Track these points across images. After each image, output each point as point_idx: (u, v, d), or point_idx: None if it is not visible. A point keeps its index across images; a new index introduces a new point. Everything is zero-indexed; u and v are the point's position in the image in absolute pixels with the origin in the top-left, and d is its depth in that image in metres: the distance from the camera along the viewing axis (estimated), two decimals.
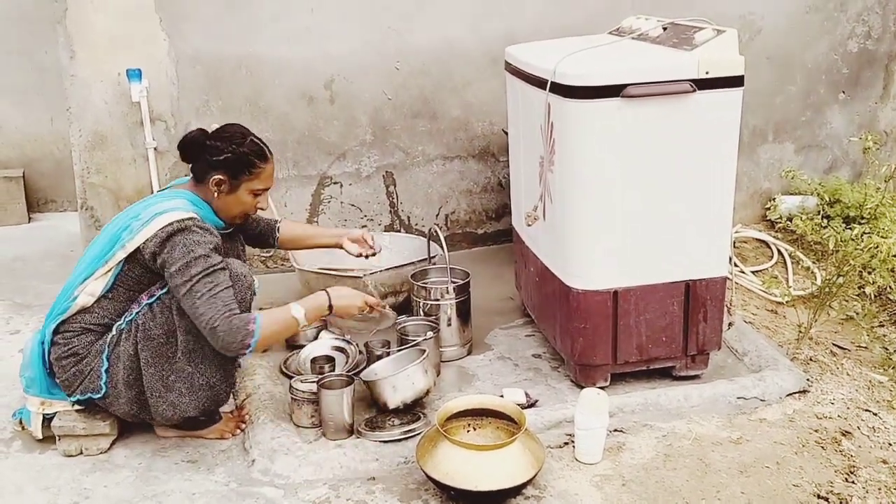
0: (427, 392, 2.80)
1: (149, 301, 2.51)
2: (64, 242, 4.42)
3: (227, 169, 2.55)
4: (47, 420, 2.66)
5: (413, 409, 2.79)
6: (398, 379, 2.74)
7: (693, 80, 2.61)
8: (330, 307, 2.60)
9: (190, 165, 2.63)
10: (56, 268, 4.04)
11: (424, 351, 2.85)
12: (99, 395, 2.55)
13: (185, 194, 2.58)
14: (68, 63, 3.61)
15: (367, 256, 3.08)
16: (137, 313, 2.51)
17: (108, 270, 2.51)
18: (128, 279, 2.52)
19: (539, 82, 2.78)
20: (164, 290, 2.51)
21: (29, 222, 4.81)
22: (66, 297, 2.57)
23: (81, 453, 2.64)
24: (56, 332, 2.57)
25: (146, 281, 2.52)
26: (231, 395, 2.95)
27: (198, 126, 3.68)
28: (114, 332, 2.54)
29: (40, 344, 2.62)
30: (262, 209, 2.70)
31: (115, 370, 2.52)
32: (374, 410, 2.83)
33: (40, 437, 2.67)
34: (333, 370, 2.97)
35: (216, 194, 2.58)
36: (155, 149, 3.72)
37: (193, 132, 2.62)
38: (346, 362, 3.14)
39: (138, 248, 2.45)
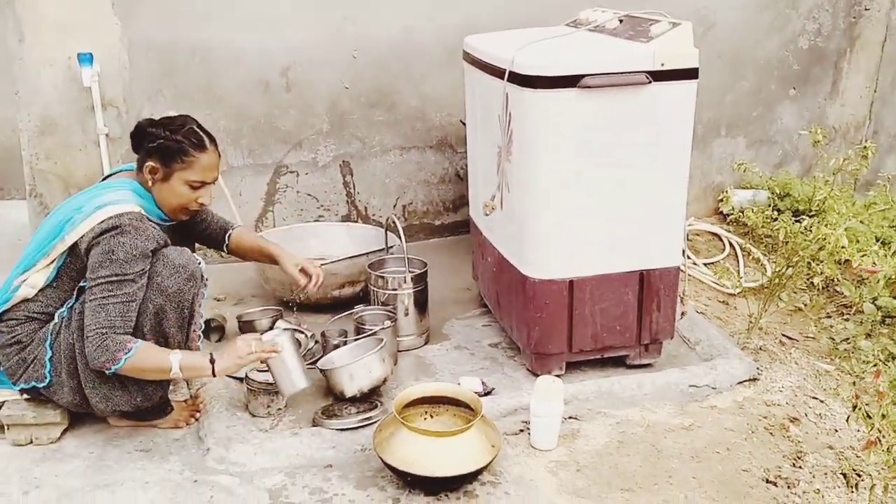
0: (384, 381, 2.80)
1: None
2: (11, 231, 4.31)
3: (160, 155, 2.50)
4: None
5: (370, 398, 2.79)
6: (355, 368, 2.73)
7: (649, 72, 2.65)
8: (213, 372, 2.45)
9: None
10: (3, 256, 3.92)
11: (382, 340, 2.85)
12: (43, 384, 2.51)
13: (130, 184, 2.54)
14: (17, 46, 3.52)
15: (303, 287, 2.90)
16: (77, 302, 2.48)
17: (51, 262, 2.47)
18: (71, 270, 2.49)
19: (497, 72, 2.80)
20: None
21: None
22: (7, 286, 2.52)
23: (31, 443, 2.59)
24: (0, 319, 2.52)
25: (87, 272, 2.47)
26: (188, 385, 2.92)
27: (150, 112, 3.67)
28: (56, 319, 2.50)
29: None
30: (202, 204, 2.59)
31: (59, 359, 2.48)
32: (331, 399, 2.82)
33: None
34: None
35: (150, 182, 2.53)
36: (106, 135, 3.65)
37: (143, 121, 2.59)
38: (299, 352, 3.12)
39: (79, 239, 2.42)
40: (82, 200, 2.50)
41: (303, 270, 2.89)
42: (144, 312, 2.44)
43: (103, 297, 2.35)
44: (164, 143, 2.49)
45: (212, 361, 2.45)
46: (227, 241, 2.91)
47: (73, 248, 2.45)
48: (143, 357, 2.37)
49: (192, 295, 2.53)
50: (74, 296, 2.50)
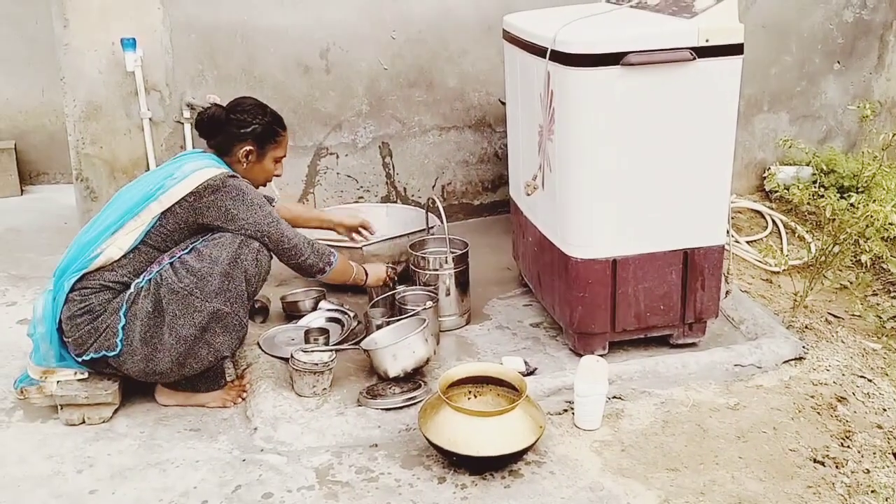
0: (427, 361, 2.82)
1: (170, 261, 2.55)
2: (57, 214, 4.39)
3: (256, 139, 2.71)
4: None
5: (413, 378, 2.81)
6: (399, 348, 2.75)
7: (693, 48, 2.61)
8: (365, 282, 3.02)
9: (208, 141, 2.74)
10: (51, 240, 4.03)
11: (424, 320, 2.87)
12: (114, 353, 2.56)
13: (213, 157, 2.71)
14: (62, 32, 3.56)
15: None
16: (158, 272, 2.55)
17: (141, 224, 2.56)
18: (157, 235, 2.57)
19: (539, 51, 2.78)
20: (186, 251, 2.56)
21: (21, 195, 4.78)
22: (86, 252, 2.57)
23: (84, 422, 2.64)
24: (72, 289, 2.57)
25: (176, 238, 2.59)
26: (234, 366, 2.97)
27: (192, 96, 3.71)
28: (132, 289, 2.56)
29: (53, 301, 2.61)
30: (278, 175, 2.86)
31: (132, 327, 2.54)
32: (375, 379, 2.85)
33: (39, 378, 2.65)
34: (327, 342, 2.98)
35: (244, 164, 2.72)
36: (150, 119, 3.69)
37: (211, 108, 2.72)
38: (342, 332, 3.15)
39: (177, 202, 2.53)
40: (170, 168, 2.65)
41: (362, 228, 3.34)
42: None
43: (270, 224, 2.64)
44: (258, 128, 2.71)
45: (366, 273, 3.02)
46: None
47: (167, 211, 2.55)
48: (340, 260, 2.86)
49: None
50: (154, 268, 2.56)
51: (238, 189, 2.60)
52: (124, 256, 2.56)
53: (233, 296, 2.58)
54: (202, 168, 2.59)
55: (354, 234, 3.36)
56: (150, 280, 2.55)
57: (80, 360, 2.61)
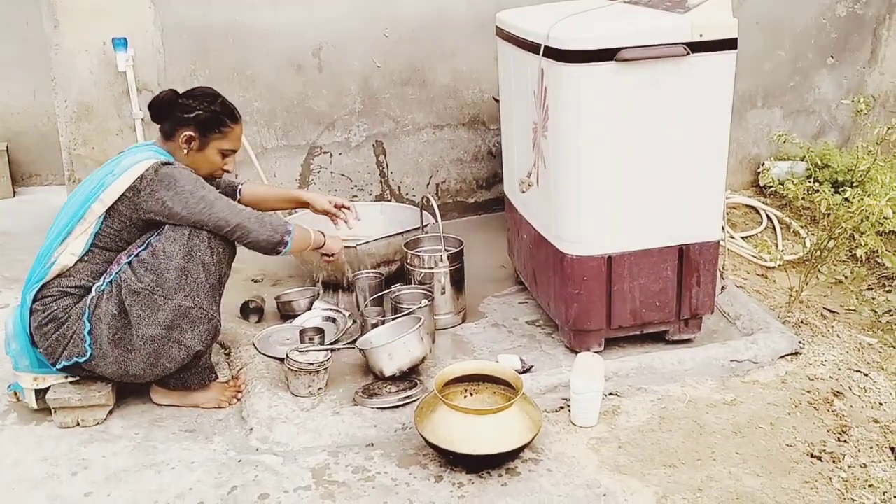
0: (423, 359, 2.81)
1: (128, 260, 2.52)
2: (50, 216, 4.24)
3: (198, 126, 2.61)
4: (42, 393, 2.64)
5: (409, 377, 2.80)
6: (395, 347, 2.74)
7: (687, 44, 2.61)
8: (322, 245, 2.82)
9: (159, 126, 2.67)
10: (43, 242, 4.00)
11: (420, 319, 2.86)
12: (84, 358, 2.54)
13: (154, 148, 2.64)
14: (52, 33, 3.54)
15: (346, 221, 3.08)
16: (117, 273, 2.51)
17: (88, 227, 2.52)
18: (105, 236, 2.53)
19: (532, 47, 2.77)
20: (143, 247, 2.52)
21: (13, 196, 4.75)
22: (43, 262, 2.55)
23: (78, 424, 2.63)
24: (34, 299, 2.55)
25: (125, 236, 2.54)
26: (229, 366, 2.95)
27: None
28: (93, 293, 2.53)
29: (21, 314, 2.60)
30: (227, 171, 2.74)
31: (99, 331, 2.51)
32: (371, 378, 2.84)
33: (35, 407, 2.66)
34: (323, 342, 2.97)
35: (185, 151, 2.63)
36: (142, 119, 3.67)
37: (164, 92, 2.66)
38: (337, 332, 3.14)
39: (118, 199, 2.49)
40: (110, 165, 2.59)
41: (338, 207, 3.06)
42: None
43: (203, 209, 2.52)
44: (202, 115, 2.61)
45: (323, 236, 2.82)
46: (238, 197, 2.96)
47: (111, 209, 2.50)
48: (297, 229, 2.70)
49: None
50: (113, 268, 2.53)
51: (170, 176, 2.50)
52: (80, 261, 2.54)
53: (193, 289, 2.53)
54: (140, 161, 2.52)
55: (339, 221, 3.08)
56: (110, 282, 2.52)
57: (56, 368, 2.59)
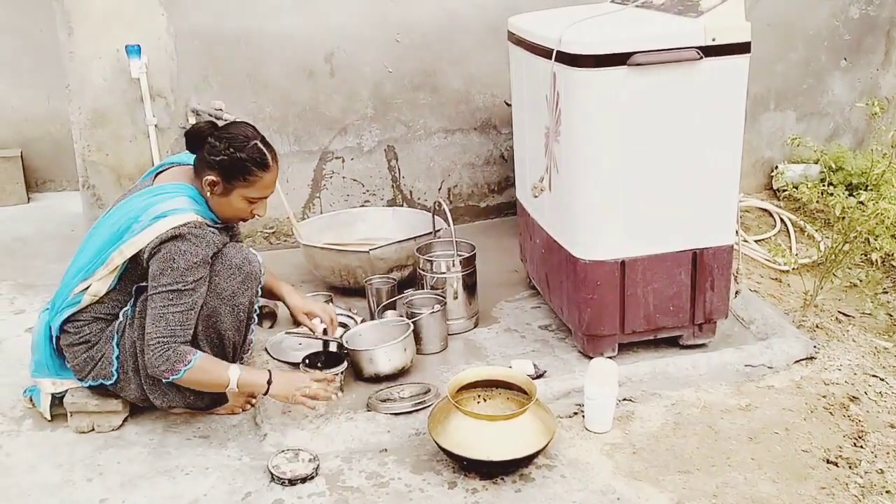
0: (403, 369, 2.85)
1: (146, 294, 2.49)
2: (64, 222, 4.39)
3: (222, 171, 2.45)
4: (58, 399, 2.66)
5: (403, 379, 2.86)
6: (376, 353, 2.81)
7: (699, 48, 2.60)
8: (266, 392, 2.52)
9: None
10: (57, 247, 4.02)
11: (410, 326, 2.88)
12: (110, 382, 2.56)
13: (186, 189, 2.51)
14: (66, 40, 3.57)
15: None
16: (137, 300, 2.52)
17: (112, 271, 2.48)
18: (133, 275, 2.51)
19: (544, 52, 2.76)
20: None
21: (28, 202, 4.78)
22: (68, 290, 2.54)
23: (93, 430, 2.64)
24: (65, 321, 2.56)
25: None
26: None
27: (197, 102, 3.71)
28: (121, 318, 2.54)
29: (47, 328, 2.62)
30: (259, 216, 2.58)
31: (125, 357, 2.53)
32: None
33: (49, 417, 2.68)
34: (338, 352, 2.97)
35: (209, 194, 2.50)
36: (156, 126, 3.69)
37: (203, 124, 2.53)
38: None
39: (141, 249, 2.42)
40: (138, 208, 2.47)
41: (311, 317, 2.81)
42: (199, 313, 2.48)
43: (164, 307, 2.39)
44: (227, 161, 2.44)
45: (269, 382, 2.50)
46: None
47: (134, 257, 2.45)
48: (202, 369, 2.43)
49: (248, 298, 2.57)
50: (134, 294, 2.54)
51: (171, 254, 2.37)
52: (106, 295, 2.52)
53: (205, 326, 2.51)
54: (169, 214, 2.41)
55: (311, 321, 2.82)
56: (133, 307, 2.53)
57: (82, 384, 2.61)
